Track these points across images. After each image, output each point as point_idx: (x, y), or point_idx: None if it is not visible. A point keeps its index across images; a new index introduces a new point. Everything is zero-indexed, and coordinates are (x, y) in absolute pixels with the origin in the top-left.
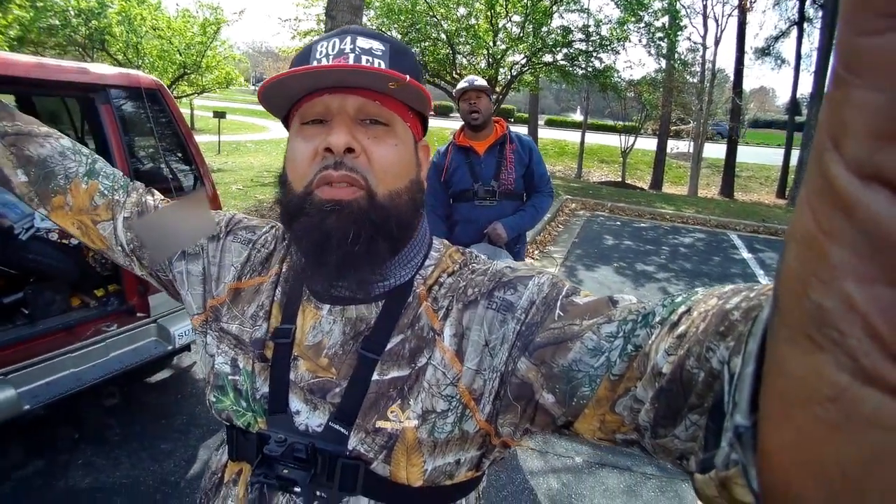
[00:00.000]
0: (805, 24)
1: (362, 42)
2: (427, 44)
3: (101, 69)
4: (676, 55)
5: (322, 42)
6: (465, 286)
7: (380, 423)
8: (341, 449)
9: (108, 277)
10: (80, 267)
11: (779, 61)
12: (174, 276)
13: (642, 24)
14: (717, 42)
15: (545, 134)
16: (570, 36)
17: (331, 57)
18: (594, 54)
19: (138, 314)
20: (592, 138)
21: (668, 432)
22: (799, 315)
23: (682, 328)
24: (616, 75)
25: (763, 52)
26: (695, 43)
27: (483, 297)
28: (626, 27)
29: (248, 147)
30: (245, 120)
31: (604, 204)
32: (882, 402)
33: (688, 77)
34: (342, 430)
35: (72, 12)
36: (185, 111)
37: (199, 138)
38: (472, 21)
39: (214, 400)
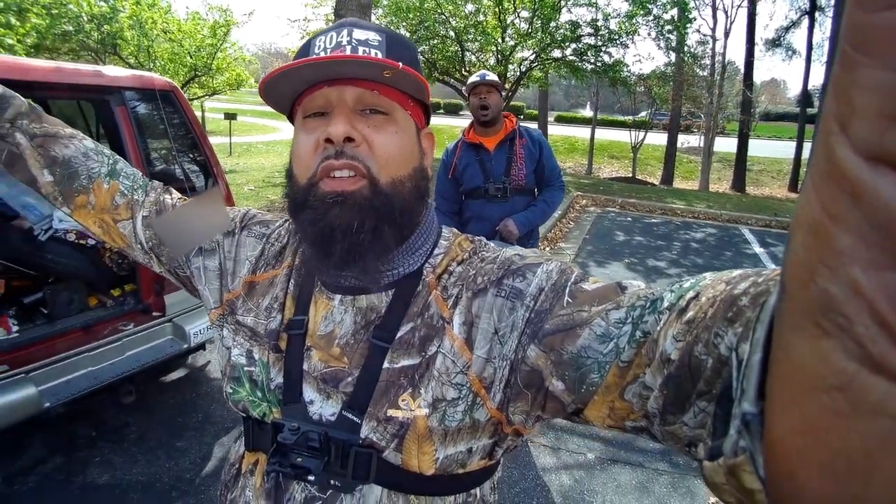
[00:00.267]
0: (816, 14)
1: (359, 34)
2: (436, 41)
3: (116, 72)
4: (686, 48)
5: (320, 37)
6: (475, 274)
7: (391, 412)
8: (354, 437)
9: (125, 277)
10: (97, 267)
11: (790, 52)
12: (192, 272)
13: (651, 17)
14: (726, 34)
15: (555, 130)
16: (579, 30)
17: (328, 50)
18: (603, 49)
19: (154, 313)
20: (602, 134)
21: (676, 419)
22: (806, 302)
23: (690, 314)
24: (625, 69)
25: (774, 44)
26: (704, 35)
27: (492, 285)
28: (634, 20)
29: (258, 148)
30: (255, 121)
31: (614, 200)
32: (889, 391)
33: (698, 70)
34: (355, 418)
35: (85, 18)
36: (196, 113)
37: (210, 140)
38: (481, 18)
39: (231, 391)
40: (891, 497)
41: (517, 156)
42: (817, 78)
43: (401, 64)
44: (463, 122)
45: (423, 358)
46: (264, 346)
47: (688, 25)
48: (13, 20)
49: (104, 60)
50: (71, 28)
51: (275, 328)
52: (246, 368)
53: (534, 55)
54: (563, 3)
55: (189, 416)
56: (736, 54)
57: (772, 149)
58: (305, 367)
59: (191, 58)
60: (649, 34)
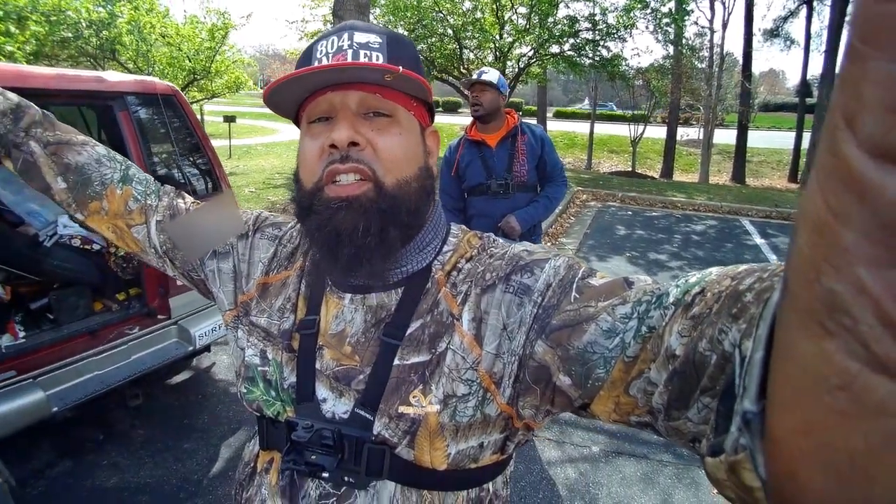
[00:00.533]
0: (814, 3)
1: (359, 37)
2: (434, 39)
3: (118, 77)
4: (684, 40)
5: (322, 41)
6: (483, 271)
7: (402, 409)
8: (367, 434)
9: (130, 281)
10: (102, 272)
11: (788, 42)
12: (206, 274)
13: (648, 11)
14: (724, 25)
15: (554, 126)
16: (577, 25)
17: (330, 55)
18: (601, 43)
19: (159, 316)
20: (601, 128)
21: (681, 415)
22: (809, 300)
23: (695, 309)
24: (624, 63)
25: (772, 34)
26: (702, 27)
27: (500, 281)
28: (632, 14)
29: (258, 150)
30: (255, 123)
31: (615, 194)
32: (893, 391)
33: (696, 62)
34: (367, 415)
35: (83, 24)
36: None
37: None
38: (478, 15)
39: (245, 391)
40: (894, 497)
41: (519, 152)
42: (816, 68)
43: (401, 67)
44: (462, 119)
45: (433, 354)
46: (278, 346)
47: (685, 18)
48: (12, 28)
49: (103, 66)
50: (70, 34)
51: (287, 328)
52: (260, 368)
53: (532, 51)
54: None
55: (195, 418)
56: (734, 46)
57: (771, 140)
58: (318, 365)
59: (189, 61)
60: (647, 27)
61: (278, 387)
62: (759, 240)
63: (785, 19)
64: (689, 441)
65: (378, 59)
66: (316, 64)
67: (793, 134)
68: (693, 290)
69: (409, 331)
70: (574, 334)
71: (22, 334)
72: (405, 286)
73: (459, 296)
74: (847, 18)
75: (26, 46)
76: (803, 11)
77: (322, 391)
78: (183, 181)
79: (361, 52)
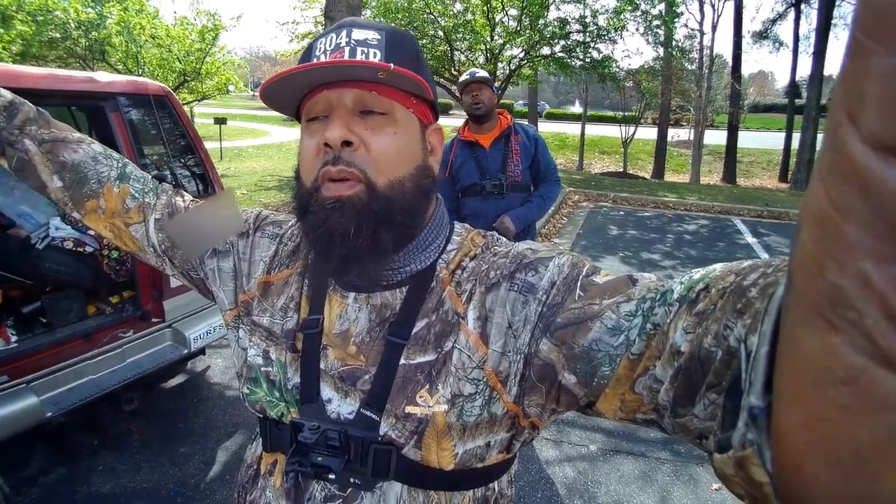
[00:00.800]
0: (802, 5)
1: (358, 34)
2: (425, 41)
3: (110, 77)
4: (674, 42)
5: (321, 39)
6: (487, 269)
7: (409, 409)
8: (373, 435)
9: (123, 284)
10: (95, 274)
11: (777, 44)
12: (206, 273)
13: (639, 13)
14: (714, 27)
15: (545, 127)
16: (567, 27)
17: (328, 53)
18: (592, 45)
19: (153, 319)
20: (593, 130)
21: (687, 411)
22: (814, 295)
23: (700, 306)
24: (614, 65)
25: (761, 36)
26: (692, 29)
27: (505, 280)
28: (622, 16)
29: (249, 152)
30: (245, 125)
31: (607, 195)
32: None
33: (686, 64)
34: (373, 416)
35: (72, 24)
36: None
37: None
38: (469, 16)
39: (248, 392)
40: None
41: (513, 152)
42: (805, 69)
43: (392, 65)
44: (453, 121)
45: (439, 354)
46: (281, 346)
47: (675, 20)
48: None
49: (92, 67)
50: (58, 35)
51: (291, 328)
52: (263, 369)
53: (523, 53)
54: (551, 0)
55: (191, 422)
56: (724, 47)
57: (761, 140)
58: (322, 366)
59: (180, 63)
60: (637, 29)
61: (282, 387)
62: (750, 239)
63: (773, 21)
64: (696, 438)
65: (376, 55)
66: (314, 62)
67: (782, 135)
68: (697, 286)
69: (414, 330)
70: (579, 332)
71: (14, 338)
72: (409, 285)
73: (464, 294)
74: (833, 22)
75: (12, 47)
76: (791, 14)
77: (327, 391)
78: (175, 183)
79: (359, 50)
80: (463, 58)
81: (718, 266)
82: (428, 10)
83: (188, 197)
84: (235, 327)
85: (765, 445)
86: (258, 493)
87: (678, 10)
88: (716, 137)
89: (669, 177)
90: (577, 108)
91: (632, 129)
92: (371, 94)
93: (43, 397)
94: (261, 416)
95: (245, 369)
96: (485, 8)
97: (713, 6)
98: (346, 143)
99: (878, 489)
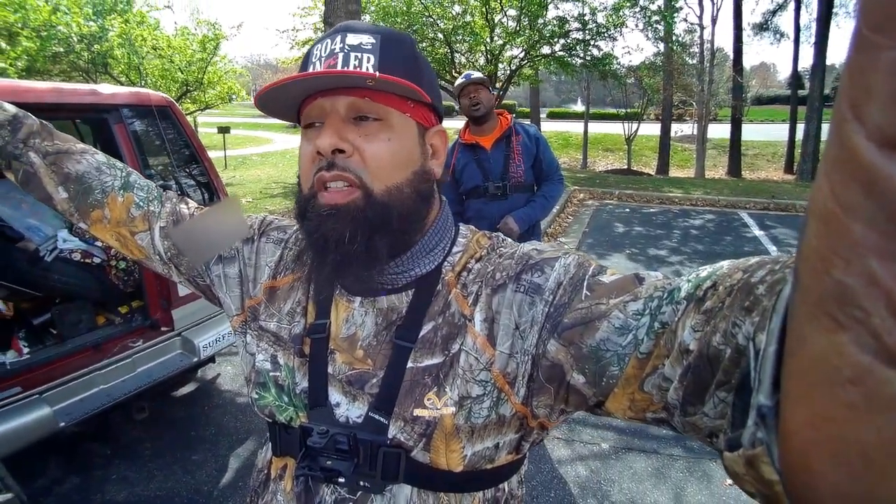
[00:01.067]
0: None
1: (352, 39)
2: (425, 44)
3: (113, 89)
4: (674, 37)
5: (318, 44)
6: (493, 270)
7: (417, 411)
8: (382, 438)
9: (131, 294)
10: (104, 285)
11: (778, 35)
12: (212, 280)
13: (638, 9)
14: (714, 21)
15: (548, 126)
16: (567, 26)
17: (323, 59)
18: (592, 42)
19: (162, 328)
20: (595, 128)
21: (696, 410)
22: (820, 293)
23: (707, 304)
24: (615, 62)
25: (761, 28)
26: (692, 24)
27: (511, 281)
28: (621, 13)
29: (253, 160)
30: (249, 133)
31: (612, 192)
32: None
33: (687, 59)
34: (382, 419)
35: (75, 39)
36: None
37: None
38: (468, 18)
39: (257, 397)
40: None
41: (514, 152)
42: (807, 60)
43: (377, 73)
44: (456, 123)
45: (446, 356)
46: (289, 351)
47: (675, 15)
48: (3, 44)
49: (95, 80)
50: (61, 49)
51: (298, 333)
52: (271, 374)
53: (523, 53)
54: None
55: (203, 429)
56: (724, 41)
57: (765, 132)
58: (330, 370)
59: (182, 73)
60: (637, 25)
61: (291, 392)
62: (757, 231)
63: (774, 13)
64: (706, 436)
65: (369, 60)
66: (311, 69)
67: (787, 126)
68: (705, 284)
69: (421, 333)
70: (586, 332)
71: (26, 350)
72: (415, 288)
73: (470, 296)
74: (834, 10)
75: (18, 63)
76: (791, 4)
77: (335, 396)
78: (180, 192)
79: (353, 55)
80: (463, 60)
81: (726, 263)
82: (427, 13)
83: (193, 204)
84: (243, 332)
85: (774, 444)
86: (269, 498)
87: (677, 5)
88: (720, 131)
89: (674, 172)
90: (579, 107)
91: (635, 125)
92: (364, 100)
93: (56, 408)
94: (270, 420)
95: (253, 374)
96: (483, 9)
97: (712, 0)
98: (339, 151)
99: (885, 488)
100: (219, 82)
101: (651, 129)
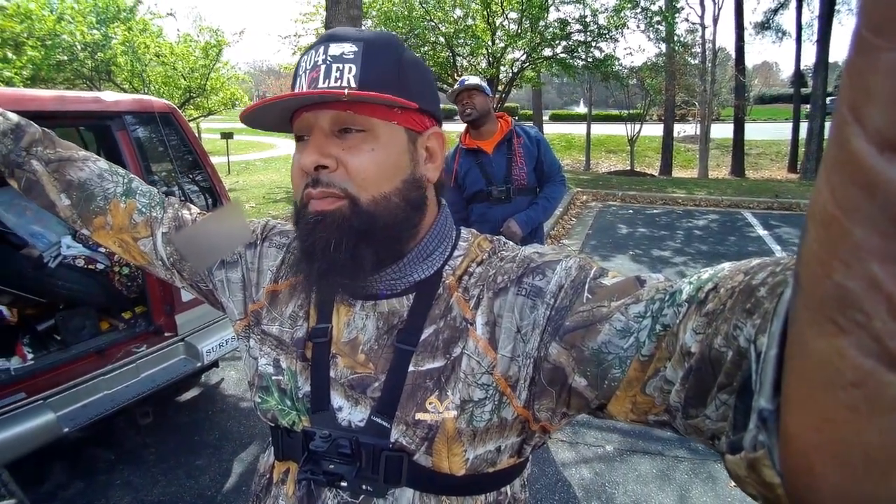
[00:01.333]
0: None
1: (334, 49)
2: (426, 48)
3: (115, 97)
4: (676, 38)
5: (304, 56)
6: (495, 274)
7: (419, 415)
8: (384, 442)
9: (135, 299)
10: (107, 291)
11: (779, 34)
12: (215, 284)
13: (639, 10)
14: (715, 21)
15: (550, 129)
16: (568, 28)
17: (307, 72)
18: (593, 44)
19: (166, 333)
20: (598, 129)
21: (698, 412)
22: (821, 297)
23: (709, 306)
24: (617, 63)
25: (763, 27)
26: (693, 24)
27: (512, 284)
28: (622, 14)
29: (257, 166)
30: (252, 139)
31: (615, 193)
32: None
33: (689, 59)
34: (384, 423)
35: (78, 47)
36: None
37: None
38: (470, 21)
39: (259, 401)
40: None
41: (516, 155)
42: (809, 58)
43: (347, 90)
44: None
45: (448, 360)
46: (291, 355)
47: (676, 15)
48: (10, 54)
49: (99, 87)
50: (65, 57)
51: (301, 337)
52: (274, 377)
53: (525, 55)
54: (550, 1)
55: (206, 434)
56: (726, 40)
57: (768, 131)
58: (332, 374)
59: (184, 80)
60: (638, 26)
61: (293, 396)
62: (762, 231)
63: (775, 11)
64: (709, 438)
65: (350, 71)
66: (298, 82)
67: (790, 125)
68: (706, 286)
69: (422, 336)
70: (588, 335)
71: (30, 356)
72: (416, 292)
73: (472, 300)
74: (836, 7)
75: (23, 71)
76: (793, 2)
77: (337, 400)
78: (183, 198)
79: (334, 67)
80: (465, 63)
81: (727, 265)
82: (428, 18)
83: (195, 209)
84: (246, 337)
85: (775, 447)
86: (271, 502)
87: (678, 5)
88: (723, 131)
89: (677, 173)
90: (581, 109)
91: (637, 126)
92: (347, 112)
93: (60, 413)
94: (272, 424)
95: (256, 378)
96: (485, 12)
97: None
98: (323, 167)
99: (886, 490)
100: (221, 88)
101: (654, 130)
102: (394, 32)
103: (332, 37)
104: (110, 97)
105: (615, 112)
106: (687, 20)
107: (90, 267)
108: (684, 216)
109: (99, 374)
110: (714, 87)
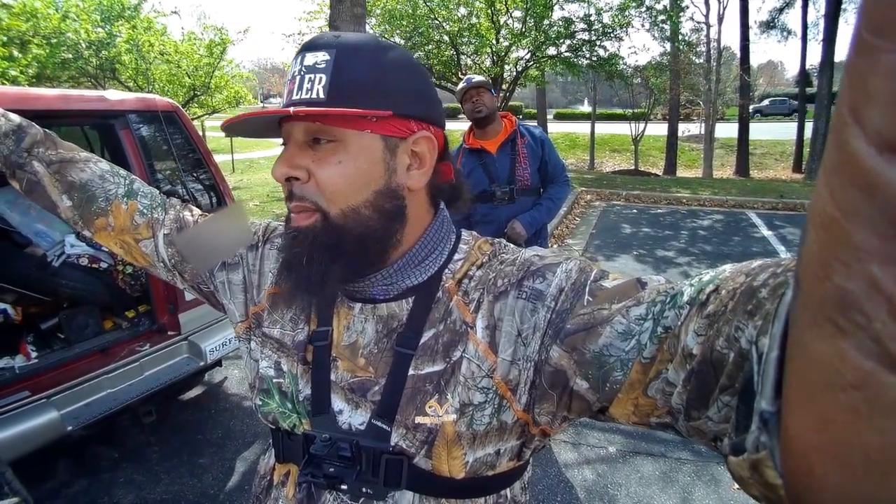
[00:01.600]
0: None
1: (309, 58)
2: (430, 47)
3: (119, 95)
4: (680, 37)
5: (292, 62)
6: (495, 277)
7: (419, 419)
8: (384, 445)
9: (138, 298)
10: (111, 289)
11: (785, 33)
12: (216, 286)
13: (644, 9)
14: (720, 20)
15: (554, 128)
16: (573, 26)
17: (287, 83)
18: (598, 43)
19: (169, 332)
20: (602, 128)
21: (701, 414)
22: (821, 299)
23: (710, 308)
24: (621, 62)
25: (768, 26)
26: (698, 23)
27: (513, 288)
28: (627, 13)
29: (261, 164)
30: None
31: (619, 193)
32: None
33: (693, 58)
34: (384, 426)
35: (83, 45)
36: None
37: (214, 158)
38: (474, 20)
39: (260, 403)
40: None
41: (520, 156)
42: (814, 57)
43: (292, 109)
44: (461, 124)
45: (447, 364)
46: (292, 358)
47: (680, 14)
48: (16, 52)
49: (104, 85)
50: (70, 55)
51: (302, 340)
52: (275, 380)
53: (529, 54)
54: (555, 0)
55: (209, 433)
56: (731, 39)
57: (773, 131)
58: (333, 377)
59: (189, 78)
60: (643, 25)
61: (294, 399)
62: (766, 231)
63: (780, 10)
64: (711, 440)
65: (321, 81)
66: (286, 89)
67: (794, 124)
68: (707, 288)
69: (422, 340)
70: (589, 338)
71: (34, 355)
72: (415, 296)
73: (472, 304)
74: (843, 6)
75: (29, 70)
76: (799, 1)
77: (338, 403)
78: (187, 197)
79: (307, 78)
80: (469, 61)
81: (728, 267)
82: (432, 16)
83: (197, 211)
84: (247, 339)
85: (777, 449)
86: None
87: (683, 4)
88: (727, 131)
89: (682, 172)
90: (585, 108)
91: (641, 125)
92: (317, 124)
93: (63, 412)
94: (273, 427)
95: (257, 381)
96: (489, 11)
97: None
98: (295, 178)
99: (887, 491)
100: (226, 87)
101: (658, 130)
102: (377, 34)
103: (308, 45)
104: (114, 96)
105: (619, 111)
106: (692, 19)
107: (94, 266)
108: (688, 216)
109: (102, 372)
110: (719, 86)
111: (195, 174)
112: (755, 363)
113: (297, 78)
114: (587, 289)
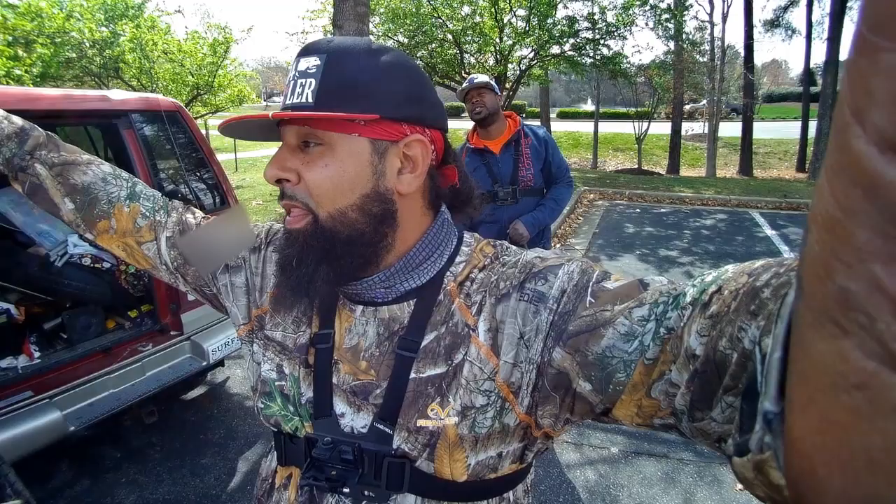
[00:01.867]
0: None
1: (302, 63)
2: (434, 45)
3: (122, 95)
4: (684, 35)
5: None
6: (497, 280)
7: (421, 422)
8: (386, 448)
9: (141, 298)
10: (114, 289)
11: (789, 32)
12: (219, 289)
13: (647, 7)
14: (724, 18)
15: (558, 126)
16: (576, 25)
17: (286, 88)
18: (601, 42)
19: (172, 332)
20: (606, 127)
21: (704, 415)
22: (824, 299)
23: (713, 308)
24: (625, 61)
25: (772, 24)
26: (702, 21)
27: (515, 290)
28: (631, 11)
29: (264, 162)
30: None
31: (622, 192)
32: None
33: (697, 56)
34: (386, 429)
35: (87, 44)
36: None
37: (217, 157)
38: (477, 19)
39: (262, 406)
40: None
41: (524, 156)
42: (819, 56)
43: (270, 114)
44: (465, 123)
45: (449, 366)
46: (294, 361)
47: (685, 12)
48: (20, 52)
49: (107, 84)
50: (74, 55)
51: (304, 342)
52: (277, 383)
53: (533, 53)
54: None
55: (212, 433)
56: (735, 38)
57: (777, 130)
58: (335, 380)
59: (192, 77)
60: (647, 24)
61: (296, 402)
62: (769, 231)
63: (785, 9)
64: (715, 441)
65: (310, 86)
66: (284, 92)
67: (798, 124)
68: (710, 288)
69: (423, 343)
70: (592, 339)
71: (37, 354)
72: (416, 298)
73: (474, 306)
74: (848, 4)
75: (33, 69)
76: (803, 0)
77: (340, 406)
78: (190, 197)
79: (299, 83)
80: (472, 60)
81: (730, 267)
82: (436, 15)
83: (199, 214)
84: (250, 342)
85: (781, 449)
86: None
87: (687, 3)
88: (731, 130)
89: (685, 171)
90: (589, 107)
91: (645, 124)
92: (306, 127)
93: (66, 412)
94: (275, 430)
95: (260, 384)
96: (493, 10)
97: None
98: (286, 181)
99: (890, 492)
100: (229, 86)
101: (661, 128)
102: (369, 38)
103: (303, 51)
104: (117, 96)
105: (623, 110)
106: (696, 17)
107: (97, 265)
108: (692, 215)
109: (105, 372)
110: (723, 85)
111: (198, 173)
112: (758, 364)
113: (291, 83)
114: (589, 290)
